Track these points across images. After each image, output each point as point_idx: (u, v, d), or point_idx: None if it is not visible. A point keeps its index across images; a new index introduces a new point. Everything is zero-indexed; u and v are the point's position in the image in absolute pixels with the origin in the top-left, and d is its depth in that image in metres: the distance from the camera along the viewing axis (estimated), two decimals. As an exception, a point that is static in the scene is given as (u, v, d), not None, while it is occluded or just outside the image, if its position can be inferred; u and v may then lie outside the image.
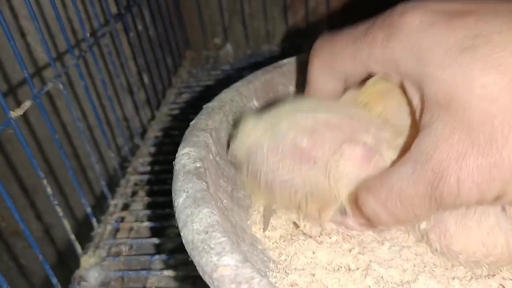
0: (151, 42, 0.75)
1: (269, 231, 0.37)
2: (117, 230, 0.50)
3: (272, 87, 0.47)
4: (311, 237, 0.36)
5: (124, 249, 0.47)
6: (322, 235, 0.36)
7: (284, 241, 0.36)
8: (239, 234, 0.33)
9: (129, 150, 0.60)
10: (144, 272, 0.44)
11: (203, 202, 0.29)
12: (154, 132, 0.66)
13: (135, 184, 0.56)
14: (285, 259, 0.33)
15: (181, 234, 0.27)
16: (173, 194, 0.31)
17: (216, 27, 0.90)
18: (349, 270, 0.32)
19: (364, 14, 0.31)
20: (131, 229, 0.50)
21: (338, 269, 0.32)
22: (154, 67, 0.76)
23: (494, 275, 0.30)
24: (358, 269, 0.32)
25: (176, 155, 0.35)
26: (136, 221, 0.51)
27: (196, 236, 0.26)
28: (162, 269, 0.44)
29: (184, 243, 0.27)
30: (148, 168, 0.58)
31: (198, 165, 0.33)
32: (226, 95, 0.43)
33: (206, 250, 0.25)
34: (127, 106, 0.63)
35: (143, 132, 0.68)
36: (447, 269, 0.32)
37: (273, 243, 0.35)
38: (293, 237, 0.36)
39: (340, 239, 0.36)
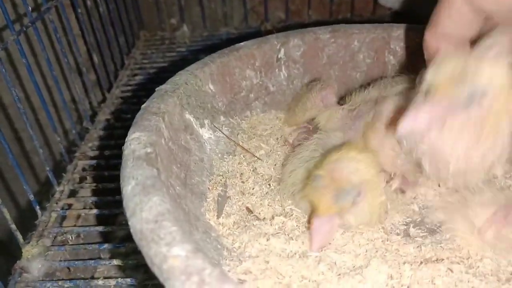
0: (101, 20, 0.71)
1: (223, 218, 0.36)
2: (63, 218, 0.47)
3: (228, 71, 0.46)
4: (264, 220, 0.36)
5: (71, 237, 0.44)
6: (273, 218, 0.36)
7: (237, 228, 0.35)
8: (192, 222, 0.32)
9: (77, 134, 0.57)
10: (92, 261, 0.42)
11: (153, 189, 0.28)
12: (104, 115, 0.63)
13: (84, 170, 0.53)
14: (239, 246, 0.33)
15: (129, 223, 0.26)
16: (121, 181, 0.29)
17: (172, 7, 0.87)
18: (303, 256, 0.32)
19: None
20: (78, 216, 0.48)
21: (292, 255, 0.32)
22: (105, 47, 0.72)
23: (442, 259, 0.31)
24: (311, 255, 0.32)
25: (126, 140, 0.33)
26: (84, 208, 0.48)
27: (145, 226, 0.25)
28: (111, 258, 0.42)
29: (132, 233, 0.25)
30: (97, 153, 0.55)
31: (148, 150, 0.31)
32: (181, 78, 0.41)
33: (155, 240, 0.24)
34: (76, 87, 0.60)
35: (93, 115, 0.64)
36: (398, 254, 0.32)
37: (227, 230, 0.35)
38: (246, 223, 0.36)
39: (294, 225, 0.35)
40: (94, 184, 0.51)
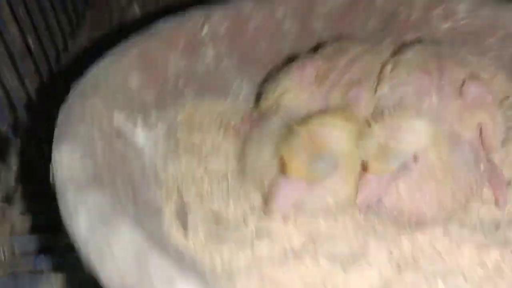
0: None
1: (191, 234, 0.30)
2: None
3: (150, 58, 0.38)
4: (237, 225, 0.31)
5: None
6: (246, 219, 0.32)
7: (211, 239, 0.29)
8: (164, 248, 0.25)
9: (11, 128, 0.48)
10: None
11: (115, 220, 0.21)
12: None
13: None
14: (223, 265, 0.27)
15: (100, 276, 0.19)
16: (63, 214, 0.22)
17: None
18: (296, 256, 0.28)
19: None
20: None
21: (285, 258, 0.28)
22: (44, 30, 0.59)
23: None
24: (307, 252, 0.28)
25: (52, 156, 0.25)
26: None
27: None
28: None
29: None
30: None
31: (90, 170, 0.24)
32: (99, 72, 0.34)
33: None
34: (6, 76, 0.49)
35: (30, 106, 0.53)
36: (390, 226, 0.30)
37: (200, 247, 0.29)
38: (218, 232, 0.30)
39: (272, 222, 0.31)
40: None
